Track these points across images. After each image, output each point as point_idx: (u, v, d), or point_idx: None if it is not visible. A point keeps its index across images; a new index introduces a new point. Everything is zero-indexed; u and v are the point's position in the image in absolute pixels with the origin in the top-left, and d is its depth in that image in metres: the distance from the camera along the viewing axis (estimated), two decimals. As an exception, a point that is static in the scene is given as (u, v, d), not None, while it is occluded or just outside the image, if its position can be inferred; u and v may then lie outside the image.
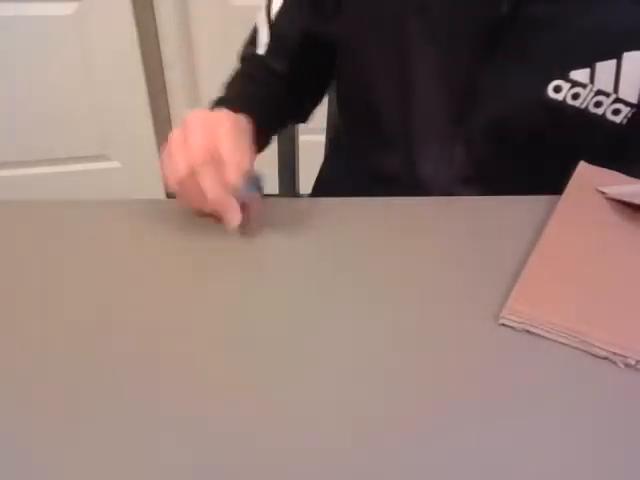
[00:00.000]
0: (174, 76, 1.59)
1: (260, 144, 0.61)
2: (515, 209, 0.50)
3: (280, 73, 0.68)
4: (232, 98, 0.65)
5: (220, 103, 0.64)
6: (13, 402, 0.32)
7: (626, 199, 0.47)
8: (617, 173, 0.52)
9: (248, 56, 0.71)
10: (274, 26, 0.66)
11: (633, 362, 0.35)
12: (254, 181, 0.46)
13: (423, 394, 0.33)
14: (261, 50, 0.68)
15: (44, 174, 1.63)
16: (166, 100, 1.63)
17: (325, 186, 0.80)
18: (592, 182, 0.51)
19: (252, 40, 0.70)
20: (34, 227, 0.47)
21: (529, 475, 0.29)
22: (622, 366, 0.35)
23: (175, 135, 0.47)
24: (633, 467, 0.30)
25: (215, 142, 0.45)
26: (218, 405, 0.32)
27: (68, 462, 0.29)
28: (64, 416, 0.32)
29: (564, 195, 0.49)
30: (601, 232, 0.45)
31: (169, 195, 0.50)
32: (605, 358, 0.35)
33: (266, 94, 0.68)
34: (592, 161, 0.53)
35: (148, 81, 1.55)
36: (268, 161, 0.88)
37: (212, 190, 0.44)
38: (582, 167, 0.53)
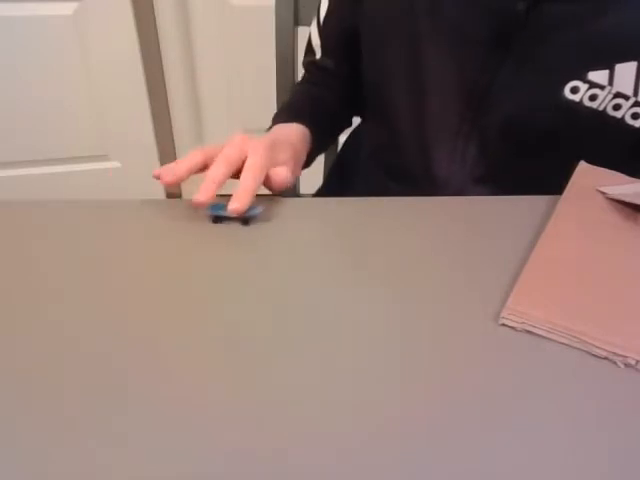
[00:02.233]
0: (174, 76, 1.59)
1: (317, 146, 0.66)
2: (515, 209, 0.50)
3: (332, 71, 0.72)
4: (291, 103, 0.72)
5: (281, 110, 0.70)
6: (12, 402, 0.32)
7: (627, 199, 0.47)
8: (617, 173, 0.52)
9: (305, 63, 0.76)
10: (323, 28, 0.71)
11: (633, 362, 0.35)
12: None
13: (423, 394, 0.33)
14: (318, 54, 0.73)
15: (44, 174, 1.63)
16: (166, 100, 1.64)
17: (336, 186, 0.79)
18: (592, 182, 0.51)
19: (308, 48, 0.75)
20: (34, 227, 0.47)
21: (529, 475, 0.29)
22: (622, 366, 0.35)
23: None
24: (634, 467, 0.30)
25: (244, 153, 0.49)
26: (219, 405, 0.32)
27: (67, 462, 0.29)
28: (64, 416, 0.32)
29: (564, 195, 0.49)
30: (601, 232, 0.45)
31: (169, 195, 0.50)
32: (605, 358, 0.35)
33: (322, 95, 0.72)
34: (608, 164, 0.52)
35: (148, 81, 1.55)
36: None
37: (217, 168, 0.47)
38: (582, 167, 0.53)
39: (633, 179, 0.51)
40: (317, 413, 0.32)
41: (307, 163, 0.65)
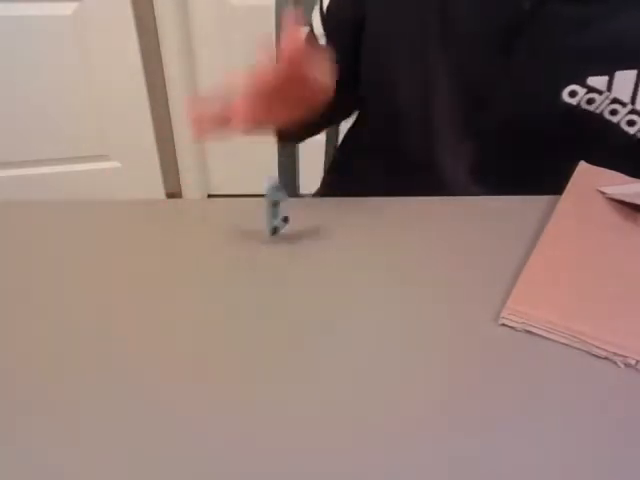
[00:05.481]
0: (174, 76, 1.59)
1: (311, 127, 0.61)
2: (515, 209, 0.50)
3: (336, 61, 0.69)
4: None
5: None
6: (13, 402, 0.32)
7: (627, 199, 0.47)
8: (617, 173, 0.52)
9: None
10: (326, 17, 0.68)
11: (633, 362, 0.35)
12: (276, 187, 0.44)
13: (423, 394, 0.33)
14: (322, 42, 0.69)
15: (44, 174, 1.63)
16: (166, 100, 1.63)
17: (335, 186, 0.79)
18: (592, 182, 0.51)
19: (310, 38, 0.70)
20: (34, 227, 0.47)
21: (529, 475, 0.29)
22: (622, 366, 0.35)
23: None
24: (633, 467, 0.30)
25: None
26: (219, 405, 0.32)
27: (68, 462, 0.29)
28: (65, 416, 0.32)
29: (564, 195, 0.49)
30: (601, 232, 0.45)
31: (169, 195, 0.50)
32: (605, 358, 0.35)
33: None
34: (604, 165, 0.52)
35: (148, 81, 1.55)
36: (268, 161, 0.88)
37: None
38: (582, 167, 0.53)
39: (633, 179, 0.51)
40: (317, 413, 0.32)
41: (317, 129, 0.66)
